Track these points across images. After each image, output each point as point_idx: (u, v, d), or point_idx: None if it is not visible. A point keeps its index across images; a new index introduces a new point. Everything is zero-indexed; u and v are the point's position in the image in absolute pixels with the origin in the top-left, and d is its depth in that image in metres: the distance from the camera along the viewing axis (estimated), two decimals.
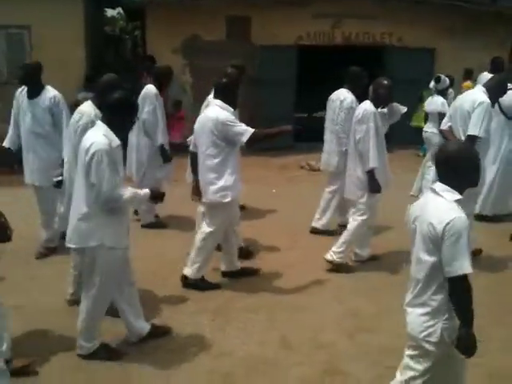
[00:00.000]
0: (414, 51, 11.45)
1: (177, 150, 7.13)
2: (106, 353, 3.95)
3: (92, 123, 4.10)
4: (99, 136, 3.59)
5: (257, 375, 3.82)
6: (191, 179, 5.17)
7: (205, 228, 4.95)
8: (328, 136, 6.38)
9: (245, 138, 4.60)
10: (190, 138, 5.15)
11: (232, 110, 4.79)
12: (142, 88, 6.46)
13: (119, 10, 18.72)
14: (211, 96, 5.30)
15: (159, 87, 6.38)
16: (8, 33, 10.87)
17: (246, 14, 11.27)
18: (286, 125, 5.23)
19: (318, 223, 6.48)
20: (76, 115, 4.54)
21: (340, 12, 11.42)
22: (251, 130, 4.61)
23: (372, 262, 5.64)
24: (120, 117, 3.69)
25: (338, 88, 6.30)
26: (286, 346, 4.17)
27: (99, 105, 4.33)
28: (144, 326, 4.14)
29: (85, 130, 4.13)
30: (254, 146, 4.83)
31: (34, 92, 5.38)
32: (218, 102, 4.79)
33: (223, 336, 4.29)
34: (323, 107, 6.54)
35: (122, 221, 3.76)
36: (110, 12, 20.09)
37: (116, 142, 3.64)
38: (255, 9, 11.14)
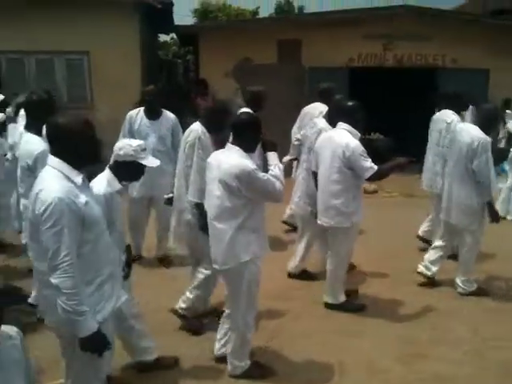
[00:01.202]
0: (467, 72, 11.26)
1: None
2: (258, 371, 3.99)
3: (199, 140, 4.34)
4: (241, 160, 3.65)
5: None
6: None
7: (331, 255, 5.02)
8: (431, 158, 6.31)
9: (368, 175, 4.62)
10: None
11: (359, 134, 4.80)
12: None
13: (172, 35, 19.26)
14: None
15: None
16: (68, 58, 11.33)
17: (296, 37, 11.40)
18: (400, 157, 5.05)
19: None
20: (186, 132, 4.64)
21: (391, 33, 11.40)
22: (375, 168, 4.59)
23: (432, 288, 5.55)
24: (250, 136, 3.75)
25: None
26: (342, 371, 4.12)
27: (207, 127, 4.48)
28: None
29: (192, 146, 4.38)
30: None
31: (156, 114, 5.90)
32: (346, 125, 4.77)
33: (280, 360, 4.26)
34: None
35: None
36: (163, 37, 20.74)
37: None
38: (305, 31, 11.27)
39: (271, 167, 3.78)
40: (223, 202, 3.68)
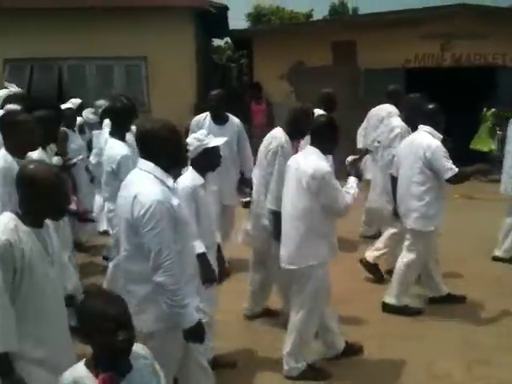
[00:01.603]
0: None
1: None
2: (313, 373, 4.01)
3: (282, 148, 4.43)
4: (319, 162, 3.79)
5: None
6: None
7: (407, 255, 4.95)
8: (510, 161, 6.15)
9: (448, 176, 4.61)
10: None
11: (441, 136, 4.80)
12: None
13: (227, 39, 19.46)
14: None
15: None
16: (126, 64, 11.63)
17: (351, 39, 11.29)
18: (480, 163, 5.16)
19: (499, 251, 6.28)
20: (268, 139, 4.70)
21: (449, 32, 11.13)
22: (456, 170, 4.59)
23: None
24: (328, 138, 3.90)
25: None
26: (402, 375, 4.06)
27: (290, 134, 4.56)
28: (341, 344, 4.21)
29: (275, 153, 4.47)
30: None
31: (223, 119, 5.86)
32: (427, 128, 4.80)
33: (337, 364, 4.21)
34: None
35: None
36: (217, 41, 20.97)
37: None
38: (360, 33, 11.14)
39: (348, 185, 3.91)
40: (297, 202, 3.82)
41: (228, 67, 21.29)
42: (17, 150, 3.83)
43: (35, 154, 4.10)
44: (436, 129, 4.76)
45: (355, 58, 11.44)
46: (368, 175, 6.25)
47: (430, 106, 4.88)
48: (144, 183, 2.83)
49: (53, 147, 5.02)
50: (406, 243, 4.96)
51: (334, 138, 3.92)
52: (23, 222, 2.55)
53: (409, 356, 4.28)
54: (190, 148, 3.64)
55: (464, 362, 4.19)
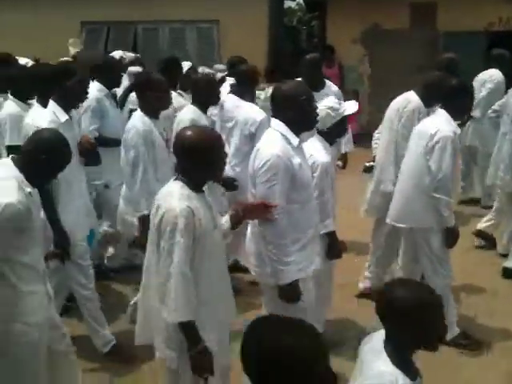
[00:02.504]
0: None
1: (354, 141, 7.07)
2: (466, 340, 4.03)
3: (418, 112, 4.45)
4: (443, 123, 3.79)
5: None
6: None
7: None
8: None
9: None
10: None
11: None
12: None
13: (298, 1, 19.07)
14: None
15: None
16: (198, 27, 11.62)
17: (431, 0, 10.77)
18: None
19: None
20: (400, 102, 4.69)
21: None
22: None
23: None
24: (460, 102, 3.87)
25: None
26: None
27: (426, 100, 4.50)
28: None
29: (410, 117, 4.47)
30: None
31: (320, 85, 5.28)
32: None
33: None
34: None
35: None
36: (287, 3, 20.56)
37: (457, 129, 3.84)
38: None
39: None
40: (416, 161, 3.88)
41: (298, 30, 20.90)
42: (152, 110, 3.95)
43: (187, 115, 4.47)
44: None
45: (435, 20, 10.93)
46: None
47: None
48: (269, 139, 2.96)
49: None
50: None
51: (466, 102, 3.90)
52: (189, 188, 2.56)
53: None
54: (325, 119, 3.51)
55: None
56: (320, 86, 5.14)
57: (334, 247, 3.49)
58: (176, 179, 2.57)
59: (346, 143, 5.32)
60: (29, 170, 2.70)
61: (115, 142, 4.40)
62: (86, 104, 4.51)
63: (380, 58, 10.94)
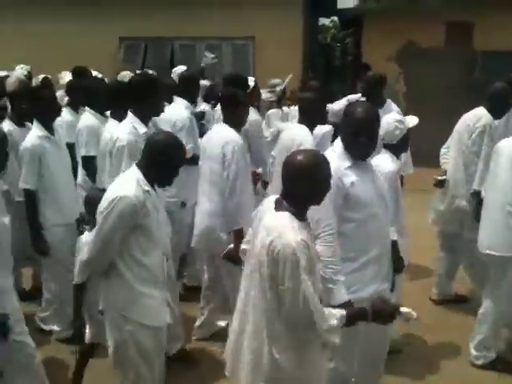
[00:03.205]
0: None
1: None
2: (502, 364, 4.00)
3: (490, 127, 4.51)
4: None
5: None
6: None
7: None
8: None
9: None
10: None
11: None
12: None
13: (333, 18, 19.12)
14: None
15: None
16: (234, 43, 11.77)
17: (468, 19, 10.70)
18: None
19: None
20: (470, 117, 4.75)
21: None
22: None
23: None
24: None
25: None
26: None
27: (494, 112, 4.57)
28: None
29: (482, 133, 4.52)
30: None
31: (380, 103, 5.30)
32: None
33: None
34: None
35: None
36: (322, 21, 20.63)
37: None
38: (479, 13, 10.50)
39: None
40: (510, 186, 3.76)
41: (332, 47, 20.93)
42: (240, 123, 4.13)
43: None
44: None
45: (471, 39, 10.85)
46: None
47: None
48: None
49: None
50: None
51: None
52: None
53: None
54: (394, 132, 3.60)
55: None
56: (382, 103, 5.30)
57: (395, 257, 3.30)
58: (279, 208, 2.42)
59: (406, 165, 5.23)
60: (148, 172, 2.87)
61: (198, 159, 4.34)
62: (180, 123, 4.57)
63: (415, 76, 10.89)
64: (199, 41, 11.76)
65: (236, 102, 4.06)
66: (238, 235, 3.70)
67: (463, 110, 6.75)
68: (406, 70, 11.18)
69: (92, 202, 3.32)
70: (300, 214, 2.40)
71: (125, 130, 3.77)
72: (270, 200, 2.52)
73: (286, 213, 2.37)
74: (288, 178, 2.41)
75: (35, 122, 4.25)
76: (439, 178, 4.94)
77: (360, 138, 2.92)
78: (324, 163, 2.45)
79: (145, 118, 3.87)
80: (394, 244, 3.30)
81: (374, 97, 5.21)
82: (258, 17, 11.11)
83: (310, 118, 4.27)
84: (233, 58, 11.81)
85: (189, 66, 11.31)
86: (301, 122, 4.33)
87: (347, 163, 2.96)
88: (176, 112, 4.69)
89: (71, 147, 4.74)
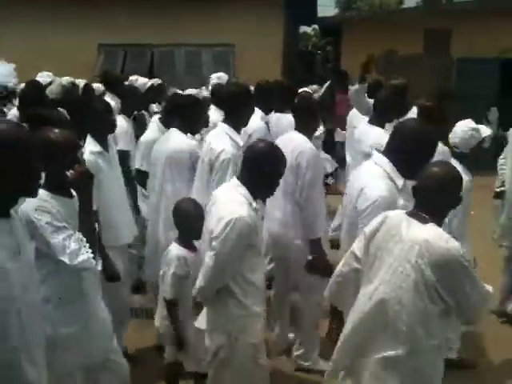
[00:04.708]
0: None
1: None
2: None
3: None
4: None
5: None
6: None
7: None
8: None
9: None
10: None
11: None
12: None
13: (314, 26, 19.26)
14: None
15: None
16: (214, 51, 11.77)
17: (445, 27, 10.82)
18: None
19: None
20: None
21: None
22: None
23: None
24: None
25: None
26: None
27: None
28: None
29: None
30: None
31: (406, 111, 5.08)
32: None
33: None
34: None
35: None
36: (302, 28, 20.76)
37: None
38: (456, 21, 10.65)
39: None
40: None
41: (313, 54, 21.05)
42: (313, 130, 4.03)
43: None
44: None
45: (449, 46, 10.97)
46: None
47: None
48: (374, 177, 2.81)
49: None
50: None
51: None
52: None
53: None
54: (470, 140, 3.50)
55: None
56: (406, 112, 5.00)
57: None
58: (422, 221, 2.36)
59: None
60: (253, 185, 2.75)
61: None
62: (257, 134, 4.36)
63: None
64: (179, 48, 11.73)
65: (311, 112, 3.97)
66: (318, 243, 3.63)
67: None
68: (385, 77, 11.25)
69: (182, 213, 3.31)
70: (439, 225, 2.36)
71: (228, 142, 3.59)
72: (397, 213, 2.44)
73: (433, 224, 2.32)
74: (430, 191, 2.36)
75: (88, 137, 3.75)
76: (497, 189, 4.82)
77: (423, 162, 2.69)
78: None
79: (237, 129, 3.73)
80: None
81: (400, 105, 4.77)
82: (238, 24, 11.14)
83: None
84: (213, 65, 11.79)
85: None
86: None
87: (399, 183, 2.81)
88: (252, 122, 4.35)
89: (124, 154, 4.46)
